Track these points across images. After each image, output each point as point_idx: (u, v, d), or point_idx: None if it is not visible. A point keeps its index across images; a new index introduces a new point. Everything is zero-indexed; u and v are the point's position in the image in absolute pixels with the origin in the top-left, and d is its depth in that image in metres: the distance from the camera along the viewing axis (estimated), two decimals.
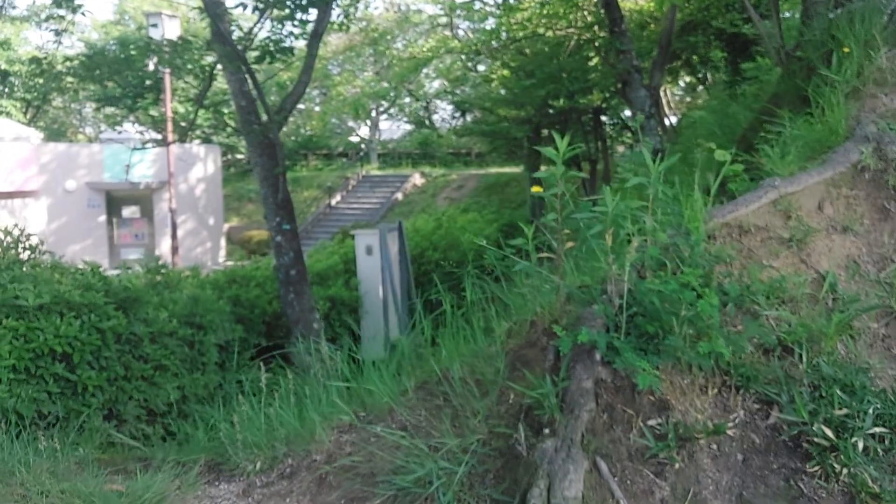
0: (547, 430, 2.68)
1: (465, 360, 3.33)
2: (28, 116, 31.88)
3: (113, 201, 25.91)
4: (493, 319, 3.77)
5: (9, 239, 5.86)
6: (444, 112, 42.14)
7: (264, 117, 9.57)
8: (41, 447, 3.31)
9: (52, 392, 5.43)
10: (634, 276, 2.93)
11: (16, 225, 6.08)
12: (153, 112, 28.66)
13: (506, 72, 20.12)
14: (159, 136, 25.37)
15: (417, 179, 32.84)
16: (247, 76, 9.31)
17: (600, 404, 2.73)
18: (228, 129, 34.02)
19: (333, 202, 31.91)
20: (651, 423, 2.65)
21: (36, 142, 25.22)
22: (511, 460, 2.82)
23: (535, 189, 3.26)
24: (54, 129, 33.57)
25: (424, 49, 21.92)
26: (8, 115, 29.03)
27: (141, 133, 20.54)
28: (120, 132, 19.52)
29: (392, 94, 34.09)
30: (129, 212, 26.42)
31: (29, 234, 6.04)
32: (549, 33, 15.80)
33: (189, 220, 26.74)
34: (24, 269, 5.71)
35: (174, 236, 23.82)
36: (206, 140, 31.39)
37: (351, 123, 40.42)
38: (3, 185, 22.69)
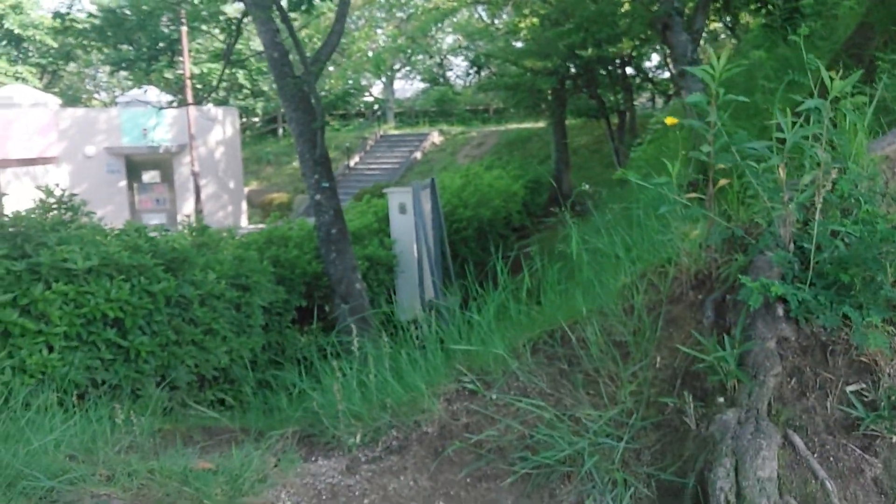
0: (722, 399, 2.28)
1: (591, 318, 2.92)
2: (44, 83, 31.45)
3: (133, 166, 25.53)
4: (606, 271, 3.35)
5: (51, 199, 5.49)
6: (458, 69, 41.27)
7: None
8: (118, 421, 2.97)
9: (105, 359, 5.11)
10: (803, 216, 2.50)
11: (57, 184, 5.70)
12: (168, 75, 28.18)
13: (535, 20, 19.39)
14: (181, 104, 24.96)
15: (436, 138, 32.25)
16: (280, 25, 8.81)
17: (785, 368, 2.33)
18: (245, 91, 33.55)
19: (352, 163, 31.43)
20: (851, 388, 2.25)
21: (54, 107, 24.80)
22: (670, 433, 2.43)
23: (670, 121, 2.81)
24: (69, 95, 33.14)
25: None
26: (24, 80, 28.61)
27: (165, 95, 20.07)
28: (145, 91, 19.04)
29: (409, 50, 33.32)
30: (149, 177, 26.03)
31: (72, 195, 5.66)
32: None
33: (210, 185, 26.33)
34: (69, 230, 5.34)
35: (198, 200, 23.53)
36: (223, 102, 30.88)
37: (365, 82, 39.68)
38: (23, 152, 22.34)
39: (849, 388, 2.25)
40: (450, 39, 38.26)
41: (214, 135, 26.89)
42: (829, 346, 2.34)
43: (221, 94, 32.99)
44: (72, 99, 32.37)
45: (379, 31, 34.84)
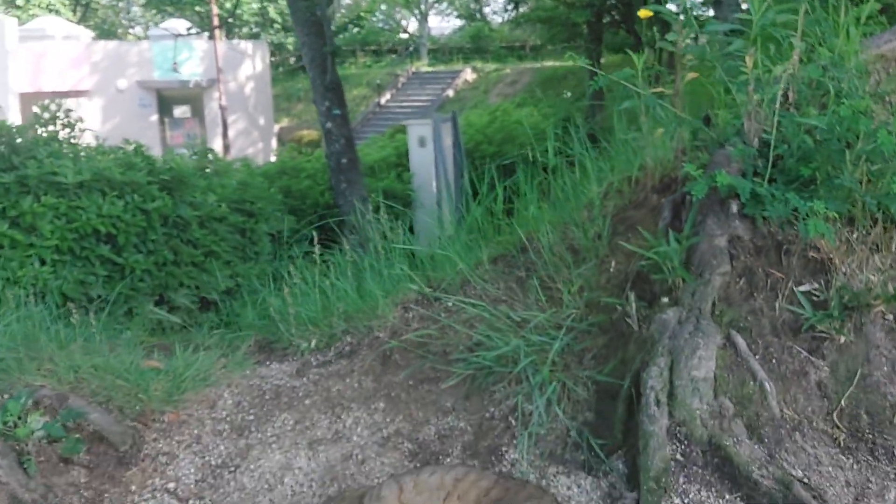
0: (666, 300, 2.15)
1: (552, 227, 2.79)
2: (77, 16, 31.50)
3: (164, 101, 25.58)
4: (582, 184, 3.19)
5: (46, 114, 5.47)
6: (495, 4, 40.22)
7: None
8: (73, 320, 2.96)
9: (100, 275, 5.15)
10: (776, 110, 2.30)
11: (53, 100, 5.67)
12: (199, 8, 27.96)
13: None
14: (206, 32, 24.98)
15: (469, 75, 31.59)
16: None
17: (736, 268, 2.18)
18: (276, 26, 33.24)
19: (383, 101, 31.05)
20: (803, 289, 2.10)
21: (86, 40, 24.84)
22: (616, 338, 2.32)
23: (643, 14, 2.60)
24: (103, 29, 33.19)
25: None
26: (57, 12, 28.68)
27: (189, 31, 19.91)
28: (162, 18, 18.94)
29: None
30: (179, 111, 26.07)
31: (69, 110, 5.64)
32: None
33: (239, 121, 26.31)
34: (64, 146, 5.32)
35: (225, 135, 23.57)
36: (255, 36, 30.65)
37: (399, 17, 38.95)
38: (56, 85, 22.50)
39: (800, 289, 2.09)
40: None
41: (244, 70, 26.73)
42: (784, 245, 2.17)
43: (253, 28, 32.76)
44: (106, 33, 32.40)
45: None
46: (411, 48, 36.28)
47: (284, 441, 2.35)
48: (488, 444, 2.21)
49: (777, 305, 2.10)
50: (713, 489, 1.83)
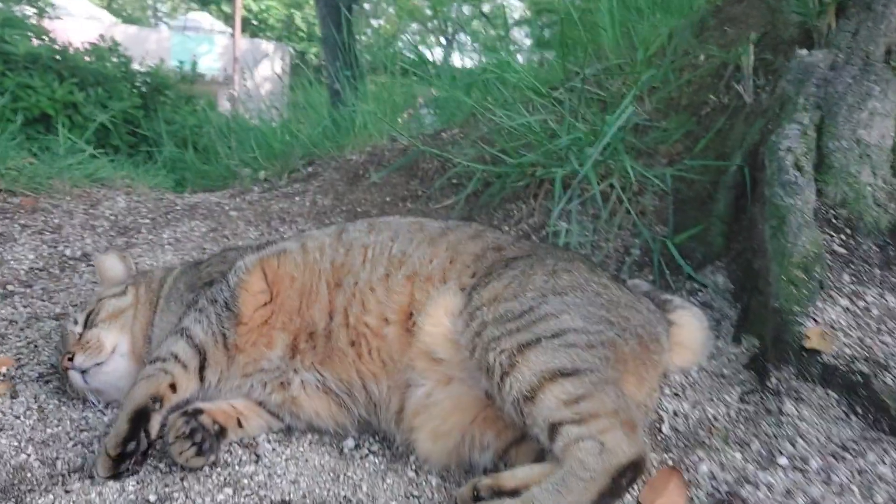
0: (805, 51, 1.37)
1: (620, 35, 2.01)
2: (104, 2, 31.31)
3: None
4: None
5: None
6: (521, 45, 40.18)
7: None
8: None
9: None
10: None
11: None
12: (225, 8, 27.77)
13: None
14: (230, 30, 24.79)
15: None
16: None
17: None
18: (301, 34, 33.21)
19: None
20: None
21: (107, 23, 24.55)
22: (703, 133, 1.52)
23: None
24: (126, 16, 33.02)
25: None
26: None
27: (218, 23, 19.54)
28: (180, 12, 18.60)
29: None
30: None
31: None
32: None
33: (251, 120, 25.84)
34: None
35: None
36: (278, 39, 30.40)
37: (423, 49, 38.86)
38: None
39: None
40: (517, 14, 37.22)
41: (263, 69, 26.36)
42: None
43: (277, 34, 32.60)
44: (129, 20, 32.23)
45: None
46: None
47: (185, 245, 1.55)
48: None
49: None
50: None
